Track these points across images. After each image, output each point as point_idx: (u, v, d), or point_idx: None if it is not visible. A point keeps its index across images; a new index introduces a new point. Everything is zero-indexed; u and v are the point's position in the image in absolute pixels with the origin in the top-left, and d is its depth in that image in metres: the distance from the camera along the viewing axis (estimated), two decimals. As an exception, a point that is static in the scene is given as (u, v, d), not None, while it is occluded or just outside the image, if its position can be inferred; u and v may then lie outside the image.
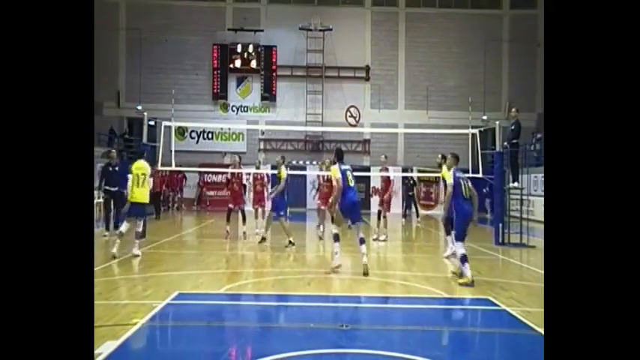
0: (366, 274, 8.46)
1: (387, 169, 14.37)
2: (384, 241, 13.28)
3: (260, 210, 13.98)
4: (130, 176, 10.00)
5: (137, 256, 9.84)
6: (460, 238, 8.25)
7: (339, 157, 9.13)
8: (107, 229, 13.44)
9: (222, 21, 29.05)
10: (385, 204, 13.44)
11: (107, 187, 13.64)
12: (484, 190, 22.47)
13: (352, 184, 8.89)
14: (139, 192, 9.91)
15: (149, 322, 5.62)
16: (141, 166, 10.02)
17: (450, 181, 8.28)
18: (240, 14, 29.01)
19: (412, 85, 29.36)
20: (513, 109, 13.65)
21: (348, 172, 8.93)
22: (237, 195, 13.55)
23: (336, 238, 8.76)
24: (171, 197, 24.75)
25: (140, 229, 10.16)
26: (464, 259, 8.00)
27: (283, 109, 28.56)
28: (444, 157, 11.39)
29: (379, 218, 13.63)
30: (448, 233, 10.41)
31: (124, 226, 9.97)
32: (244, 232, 13.42)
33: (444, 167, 10.83)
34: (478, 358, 5.15)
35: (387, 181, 13.68)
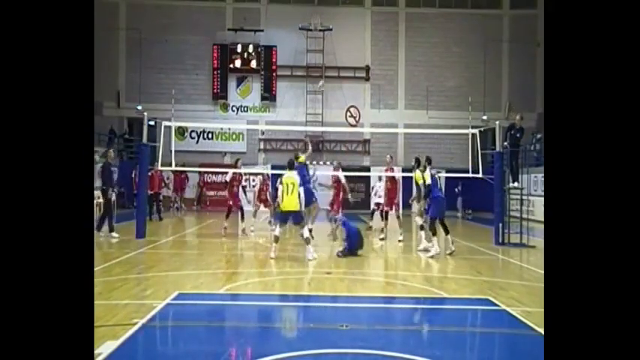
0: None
1: (392, 170, 14.58)
2: (383, 240, 13.35)
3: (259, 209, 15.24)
4: (280, 187, 10.49)
5: (314, 259, 10.03)
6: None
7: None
8: (99, 229, 13.16)
9: (222, 21, 29.03)
10: (392, 204, 13.65)
11: (104, 187, 13.55)
12: (456, 190, 22.53)
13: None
14: (289, 200, 10.31)
15: (149, 322, 5.61)
16: (291, 177, 10.46)
17: (428, 181, 11.19)
18: (240, 14, 28.99)
19: (412, 85, 29.35)
20: (518, 116, 13.53)
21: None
22: (234, 195, 14.53)
23: None
24: (173, 197, 24.72)
25: (306, 234, 10.39)
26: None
27: (283, 109, 28.54)
28: (417, 161, 11.84)
29: (384, 218, 13.92)
30: (434, 234, 11.45)
31: (277, 230, 10.50)
32: (243, 230, 14.50)
33: (417, 171, 11.44)
34: (478, 358, 5.15)
35: (392, 181, 13.78)
